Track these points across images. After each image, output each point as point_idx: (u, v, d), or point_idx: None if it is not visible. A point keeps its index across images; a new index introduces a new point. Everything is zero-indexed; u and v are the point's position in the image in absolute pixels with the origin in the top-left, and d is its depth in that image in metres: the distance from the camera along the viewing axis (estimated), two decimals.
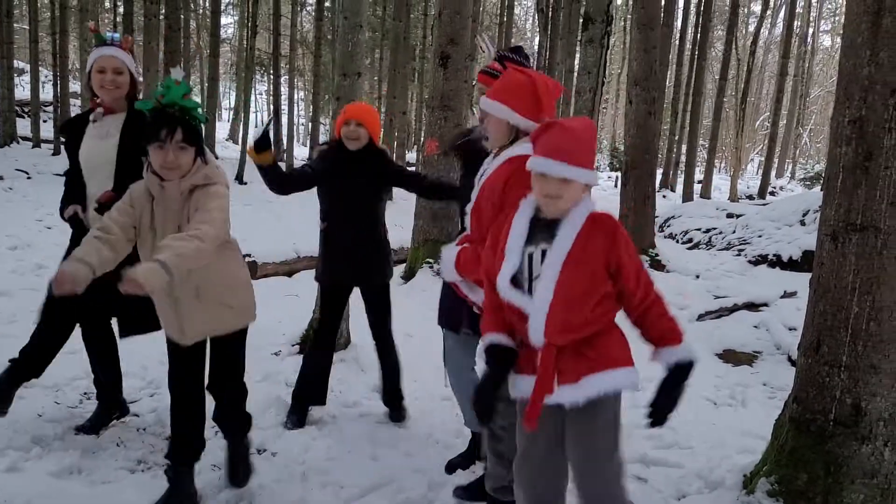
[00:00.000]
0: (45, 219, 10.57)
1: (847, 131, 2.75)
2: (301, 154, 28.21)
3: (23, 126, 21.37)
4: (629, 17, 24.29)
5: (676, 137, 26.36)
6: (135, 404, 3.94)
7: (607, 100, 40.29)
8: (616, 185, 23.49)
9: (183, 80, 2.68)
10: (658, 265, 8.92)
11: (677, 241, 12.02)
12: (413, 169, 3.84)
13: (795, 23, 28.10)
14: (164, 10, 17.97)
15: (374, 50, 27.76)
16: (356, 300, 4.07)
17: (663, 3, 12.50)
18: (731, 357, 5.59)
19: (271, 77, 24.82)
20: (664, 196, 22.55)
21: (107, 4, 26.39)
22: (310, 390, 3.93)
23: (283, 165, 21.48)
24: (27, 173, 15.16)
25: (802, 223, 9.34)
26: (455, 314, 3.12)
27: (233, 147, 26.22)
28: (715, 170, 27.84)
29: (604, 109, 38.00)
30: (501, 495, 2.81)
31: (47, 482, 3.03)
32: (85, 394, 4.05)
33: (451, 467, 3.42)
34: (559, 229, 2.20)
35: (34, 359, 3.47)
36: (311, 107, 25.41)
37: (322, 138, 26.45)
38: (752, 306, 6.65)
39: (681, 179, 24.57)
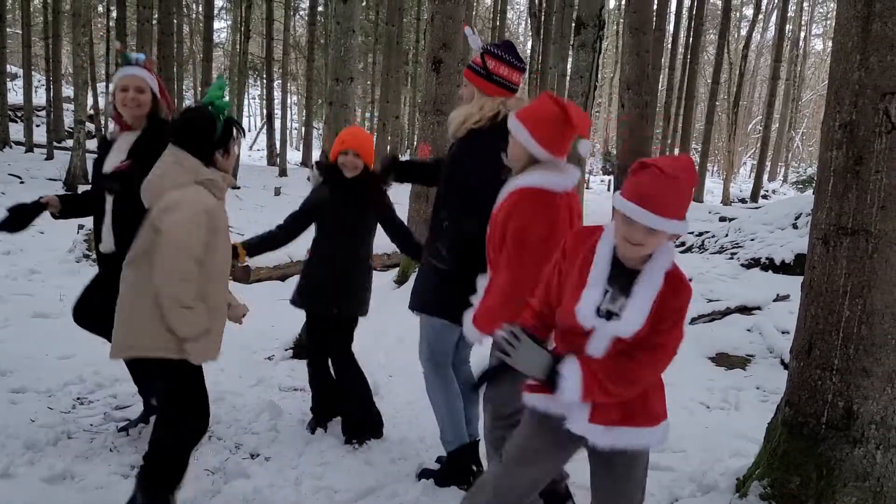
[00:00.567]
0: (37, 223, 10.53)
1: (838, 135, 2.77)
2: (294, 158, 28.23)
3: (15, 130, 21.32)
4: (621, 21, 24.39)
5: (669, 141, 26.46)
6: (127, 409, 3.93)
7: (600, 104, 40.41)
8: (609, 189, 23.55)
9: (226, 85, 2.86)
10: None
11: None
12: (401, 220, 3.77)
13: (787, 27, 28.27)
14: (156, 15, 17.98)
15: (368, 54, 27.79)
16: None
17: (655, 7, 12.55)
18: (724, 360, 5.60)
19: (264, 81, 24.81)
20: None
21: (100, 9, 26.33)
22: (322, 404, 3.93)
23: (276, 170, 21.28)
24: (20, 178, 15.12)
25: (795, 226, 9.36)
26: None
27: None
28: (707, 173, 27.94)
29: (596, 113, 38.04)
30: None
31: (40, 488, 3.02)
32: (78, 398, 4.03)
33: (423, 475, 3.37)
34: (637, 285, 2.05)
35: None
36: (304, 111, 25.42)
37: (315, 143, 26.45)
38: (744, 310, 6.66)
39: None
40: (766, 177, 30.05)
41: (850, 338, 2.75)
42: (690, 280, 2.04)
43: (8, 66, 21.20)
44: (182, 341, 2.58)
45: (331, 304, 3.73)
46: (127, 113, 3.41)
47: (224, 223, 2.72)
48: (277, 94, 24.19)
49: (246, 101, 30.24)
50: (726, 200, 23.86)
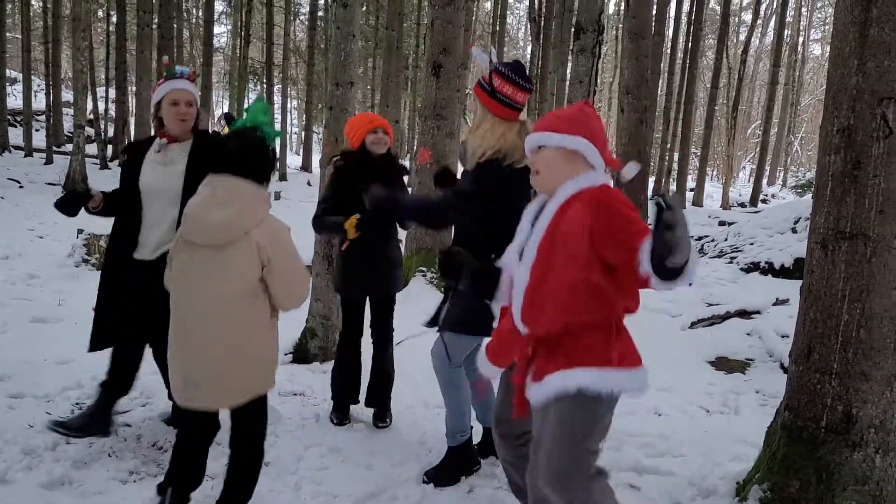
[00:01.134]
0: (37, 228, 10.55)
1: (836, 140, 2.78)
2: (294, 163, 28.23)
3: (15, 135, 21.33)
4: (620, 26, 24.45)
5: (668, 146, 26.48)
6: (126, 415, 3.92)
7: (599, 108, 40.44)
8: None
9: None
10: None
11: None
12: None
13: (786, 32, 28.33)
14: (157, 20, 18.01)
15: (368, 59, 27.84)
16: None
17: (654, 12, 12.58)
18: (724, 364, 5.60)
19: (264, 86, 24.83)
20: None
21: (100, 14, 26.37)
22: (346, 391, 4.06)
23: (276, 174, 21.58)
24: (19, 182, 15.13)
25: (794, 231, 9.37)
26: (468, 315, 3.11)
27: None
28: (707, 178, 27.96)
29: None
30: None
31: (38, 493, 3.01)
32: (76, 404, 4.02)
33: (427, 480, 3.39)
34: (544, 209, 2.19)
35: (118, 379, 3.64)
36: (304, 116, 25.44)
37: (315, 147, 26.45)
38: (744, 314, 6.67)
39: (673, 187, 24.66)
40: (765, 181, 30.09)
41: (848, 342, 2.76)
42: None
43: (7, 70, 21.23)
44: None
45: (374, 288, 3.94)
46: (179, 127, 3.43)
47: None
48: (277, 98, 24.22)
49: (246, 106, 30.30)
50: (726, 205, 23.89)
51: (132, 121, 19.58)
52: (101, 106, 22.48)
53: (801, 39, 37.91)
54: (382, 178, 3.69)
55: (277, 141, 2.80)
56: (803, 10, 36.99)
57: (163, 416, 3.80)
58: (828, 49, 2.98)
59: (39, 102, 23.97)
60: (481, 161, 3.04)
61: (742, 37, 32.76)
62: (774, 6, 32.35)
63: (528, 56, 22.24)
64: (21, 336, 5.15)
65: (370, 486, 3.28)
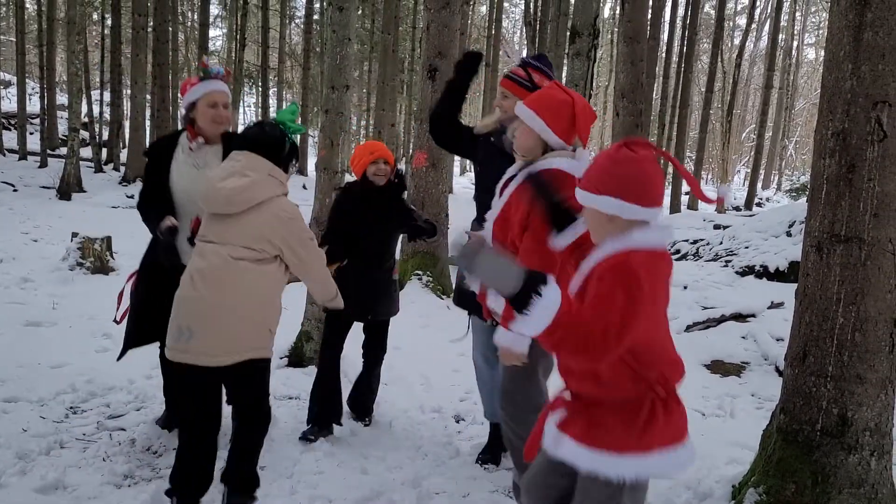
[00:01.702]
0: (31, 231, 10.50)
1: (830, 144, 2.78)
2: None
3: (9, 138, 21.27)
4: (616, 30, 24.50)
5: (664, 149, 26.51)
6: (121, 419, 3.91)
7: (595, 112, 40.49)
8: None
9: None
10: None
11: None
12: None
13: (780, 36, 28.41)
14: (152, 23, 17.98)
15: (363, 62, 27.83)
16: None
17: (649, 16, 12.61)
18: (719, 368, 5.61)
19: (260, 89, 24.83)
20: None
21: (94, 17, 26.34)
22: (328, 411, 3.95)
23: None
24: (13, 186, 15.07)
25: (789, 234, 9.39)
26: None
27: None
28: (702, 181, 28.03)
29: None
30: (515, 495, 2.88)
31: (32, 498, 3.00)
32: (70, 408, 4.01)
33: (480, 461, 3.65)
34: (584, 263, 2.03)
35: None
36: (300, 119, 25.44)
37: (311, 151, 26.44)
38: (739, 317, 6.68)
39: (668, 191, 24.71)
40: (760, 185, 30.15)
41: (844, 345, 2.76)
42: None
43: (1, 73, 21.18)
44: (329, 300, 3.15)
45: (367, 312, 3.93)
46: (215, 129, 3.38)
47: None
48: (273, 102, 24.20)
49: (241, 109, 30.26)
50: (720, 208, 23.93)
51: (127, 124, 19.52)
52: (96, 109, 22.43)
53: (795, 44, 38.05)
54: (382, 208, 3.84)
55: (298, 137, 3.01)
56: (797, 14, 37.13)
57: (156, 420, 3.78)
58: (822, 53, 3.00)
59: (34, 105, 23.88)
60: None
61: (737, 41, 32.89)
62: (769, 10, 32.48)
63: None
64: (15, 340, 5.12)
65: (365, 490, 3.27)
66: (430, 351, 5.48)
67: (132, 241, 9.09)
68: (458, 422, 4.32)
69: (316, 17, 24.01)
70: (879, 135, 2.65)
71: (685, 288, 8.33)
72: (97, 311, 5.82)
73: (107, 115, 21.89)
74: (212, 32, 29.59)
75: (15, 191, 14.75)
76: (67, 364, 4.63)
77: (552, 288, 1.72)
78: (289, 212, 2.84)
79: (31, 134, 21.75)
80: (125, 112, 19.99)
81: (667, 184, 26.10)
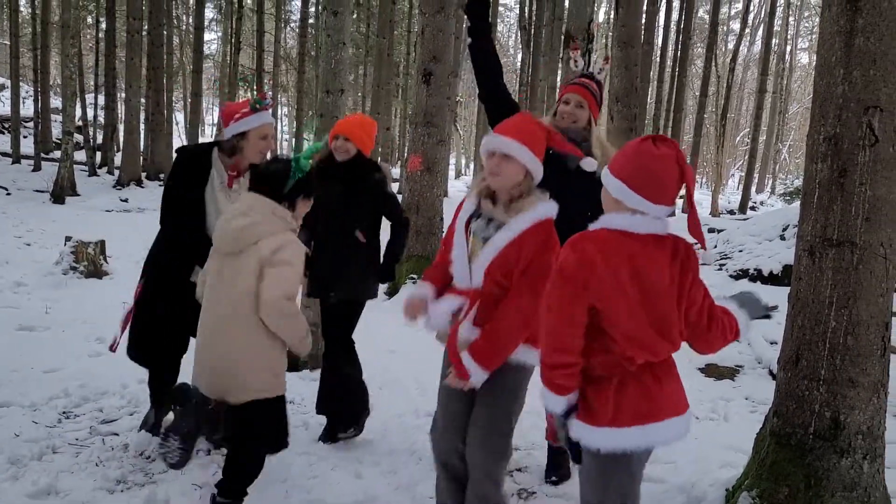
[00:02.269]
0: (24, 235, 10.48)
1: (822, 148, 2.80)
2: None
3: (2, 142, 21.21)
4: (610, 34, 24.62)
5: None
6: (114, 423, 3.89)
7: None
8: None
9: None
10: None
11: None
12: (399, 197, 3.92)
13: (773, 41, 28.55)
14: (146, 27, 17.96)
15: (359, 66, 27.85)
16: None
17: (644, 21, 12.65)
18: (713, 371, 5.62)
19: (254, 93, 24.77)
20: None
21: (89, 21, 26.29)
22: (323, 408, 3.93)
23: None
24: (6, 189, 15.03)
25: (782, 238, 9.42)
26: None
27: None
28: (696, 185, 28.04)
29: None
30: None
31: (24, 503, 2.99)
32: (63, 412, 4.00)
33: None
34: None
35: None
36: (295, 123, 25.43)
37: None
38: None
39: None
40: (754, 188, 30.23)
41: (836, 348, 2.77)
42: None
43: None
44: (294, 346, 2.84)
45: (327, 290, 3.78)
46: (260, 160, 3.38)
47: None
48: None
49: None
50: (715, 212, 23.98)
51: (121, 128, 19.49)
52: (90, 113, 22.38)
53: (788, 48, 38.23)
54: (340, 182, 3.72)
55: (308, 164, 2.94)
56: (791, 19, 37.31)
57: (140, 427, 3.73)
58: (815, 58, 3.00)
59: (28, 109, 23.82)
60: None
61: (730, 45, 33.01)
62: (762, 15, 32.63)
63: (519, 64, 22.32)
64: (7, 344, 5.11)
65: (359, 495, 3.27)
66: (424, 354, 5.46)
67: (126, 245, 9.09)
68: None
69: (311, 20, 24.00)
70: (871, 139, 2.67)
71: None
72: (90, 315, 5.81)
73: (101, 119, 21.85)
74: (207, 36, 29.55)
75: (8, 194, 14.71)
76: (60, 368, 4.62)
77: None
78: (273, 247, 2.71)
79: (25, 137, 21.68)
80: (119, 115, 19.99)
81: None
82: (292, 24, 29.96)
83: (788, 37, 37.52)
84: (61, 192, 14.65)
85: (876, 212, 2.69)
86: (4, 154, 19.65)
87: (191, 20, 28.02)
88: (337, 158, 3.75)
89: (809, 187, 2.87)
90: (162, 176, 17.90)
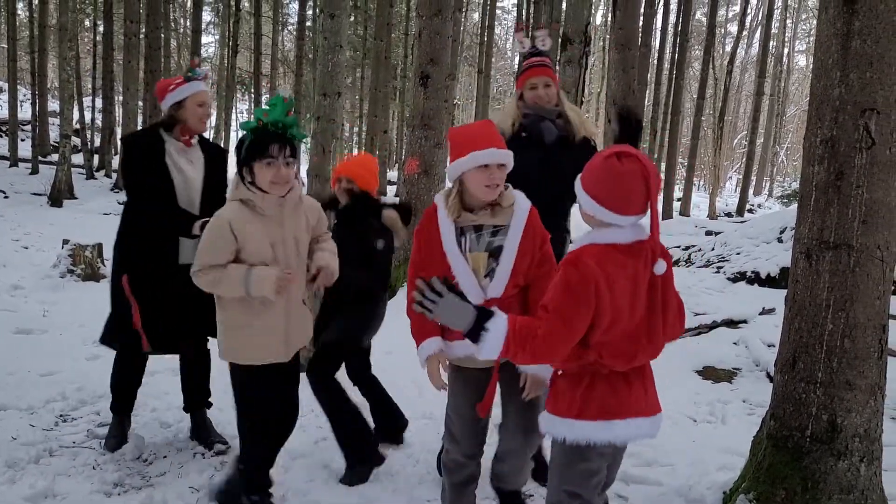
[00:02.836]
0: (21, 238, 10.46)
1: (819, 151, 2.80)
2: None
3: (0, 145, 21.18)
4: (607, 37, 24.63)
5: (655, 156, 26.63)
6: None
7: (587, 118, 40.61)
8: None
9: (290, 97, 2.72)
10: None
11: None
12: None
13: (771, 43, 28.62)
14: (144, 30, 17.96)
15: (356, 69, 27.88)
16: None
17: (641, 23, 12.67)
18: (711, 374, 5.61)
19: (252, 96, 24.81)
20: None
21: (86, 24, 26.29)
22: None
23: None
24: (4, 193, 15.02)
25: (780, 240, 9.43)
26: None
27: None
28: (694, 188, 28.15)
29: None
30: None
31: None
32: (60, 415, 3.99)
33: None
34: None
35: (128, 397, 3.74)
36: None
37: (303, 157, 26.46)
38: (731, 323, 6.70)
39: (660, 197, 24.75)
40: (751, 191, 30.35)
41: (833, 351, 2.77)
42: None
43: None
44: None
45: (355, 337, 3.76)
46: (202, 127, 3.50)
47: (253, 235, 2.72)
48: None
49: (234, 116, 30.19)
50: (712, 214, 24.04)
51: (119, 130, 19.49)
52: (88, 116, 22.36)
53: (786, 51, 38.32)
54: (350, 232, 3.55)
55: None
56: (788, 21, 37.39)
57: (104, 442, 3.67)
58: (812, 60, 3.01)
59: (25, 112, 23.81)
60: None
61: (728, 48, 33.07)
62: (760, 18, 32.71)
63: (516, 67, 22.35)
64: (5, 347, 5.10)
65: (357, 499, 3.27)
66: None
67: None
68: None
69: (308, 23, 24.02)
70: (868, 142, 2.67)
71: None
72: (88, 318, 5.80)
73: (98, 122, 21.84)
74: (204, 39, 29.58)
75: (6, 198, 14.70)
76: (57, 372, 4.60)
77: (498, 320, 2.11)
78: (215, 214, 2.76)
79: (23, 140, 21.68)
80: (117, 118, 19.99)
81: (659, 190, 26.22)
82: (290, 27, 29.98)
83: (786, 39, 37.63)
84: (59, 195, 14.64)
85: (872, 214, 2.69)
86: (2, 157, 19.65)
87: (188, 23, 28.02)
88: (342, 202, 3.64)
89: (806, 190, 2.87)
90: None
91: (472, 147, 2.52)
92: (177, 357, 3.74)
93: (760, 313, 6.91)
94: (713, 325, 6.66)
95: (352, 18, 23.95)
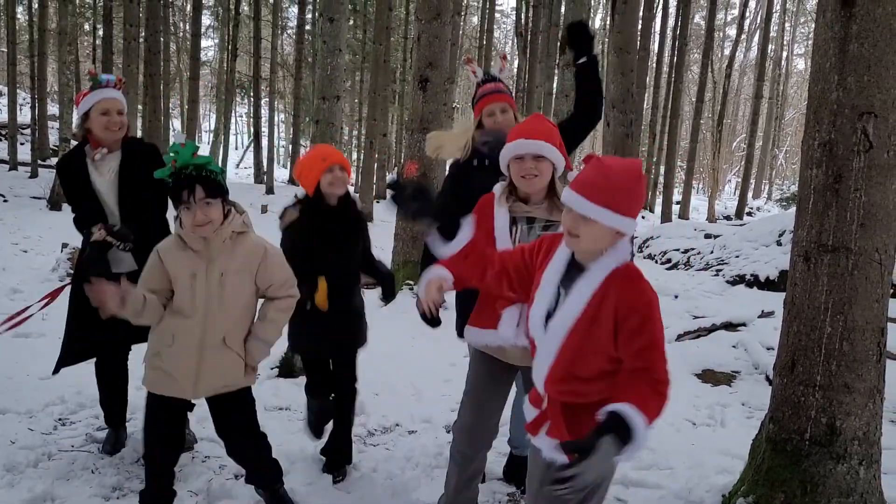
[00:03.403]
0: (21, 242, 10.46)
1: (817, 154, 2.81)
2: (281, 176, 28.20)
3: (0, 149, 21.19)
4: (606, 40, 24.70)
5: (654, 159, 26.68)
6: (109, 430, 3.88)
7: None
8: None
9: (188, 141, 2.69)
10: None
11: (656, 262, 12.12)
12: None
13: (770, 46, 28.66)
14: (143, 33, 17.97)
15: (355, 72, 27.89)
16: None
17: (640, 27, 12.70)
18: (710, 377, 5.62)
19: (252, 99, 24.83)
20: (643, 217, 22.74)
21: (86, 28, 26.32)
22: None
23: (263, 188, 21.04)
24: (3, 196, 15.02)
25: (779, 243, 9.45)
26: None
27: None
28: (693, 191, 28.20)
29: None
30: None
31: None
32: (59, 419, 3.98)
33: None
34: (577, 281, 2.00)
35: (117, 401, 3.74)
36: (292, 129, 25.45)
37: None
38: (730, 326, 6.70)
39: (659, 200, 24.81)
40: (750, 194, 30.36)
41: (831, 354, 2.78)
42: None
43: None
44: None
45: (334, 347, 3.47)
46: (110, 137, 3.39)
47: (176, 262, 2.72)
48: (265, 111, 24.20)
49: (233, 119, 30.25)
50: (711, 217, 24.03)
51: None
52: None
53: (784, 54, 38.39)
54: (341, 233, 3.31)
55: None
56: (787, 25, 37.47)
57: (101, 447, 3.66)
58: (810, 64, 3.02)
59: (25, 116, 23.82)
60: None
61: (727, 51, 33.11)
62: (758, 21, 32.76)
63: (515, 70, 22.39)
64: (3, 351, 5.09)
65: (355, 501, 3.26)
66: (420, 361, 5.47)
67: None
68: (448, 432, 4.31)
69: (308, 27, 24.06)
70: (865, 145, 2.68)
71: (676, 297, 8.36)
72: None
73: None
74: (203, 43, 29.61)
75: (5, 201, 14.69)
76: (56, 375, 4.59)
77: (636, 420, 1.84)
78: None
79: (22, 144, 21.68)
80: None
81: (658, 193, 26.25)
82: (289, 31, 30.02)
83: (784, 43, 37.72)
84: (58, 198, 14.62)
85: (871, 217, 2.70)
86: (2, 161, 19.64)
87: (188, 27, 28.06)
88: (334, 194, 3.28)
89: (804, 193, 2.88)
90: None
91: (510, 139, 2.55)
92: None
93: (759, 316, 6.92)
94: (712, 328, 6.66)
95: (351, 22, 23.98)
